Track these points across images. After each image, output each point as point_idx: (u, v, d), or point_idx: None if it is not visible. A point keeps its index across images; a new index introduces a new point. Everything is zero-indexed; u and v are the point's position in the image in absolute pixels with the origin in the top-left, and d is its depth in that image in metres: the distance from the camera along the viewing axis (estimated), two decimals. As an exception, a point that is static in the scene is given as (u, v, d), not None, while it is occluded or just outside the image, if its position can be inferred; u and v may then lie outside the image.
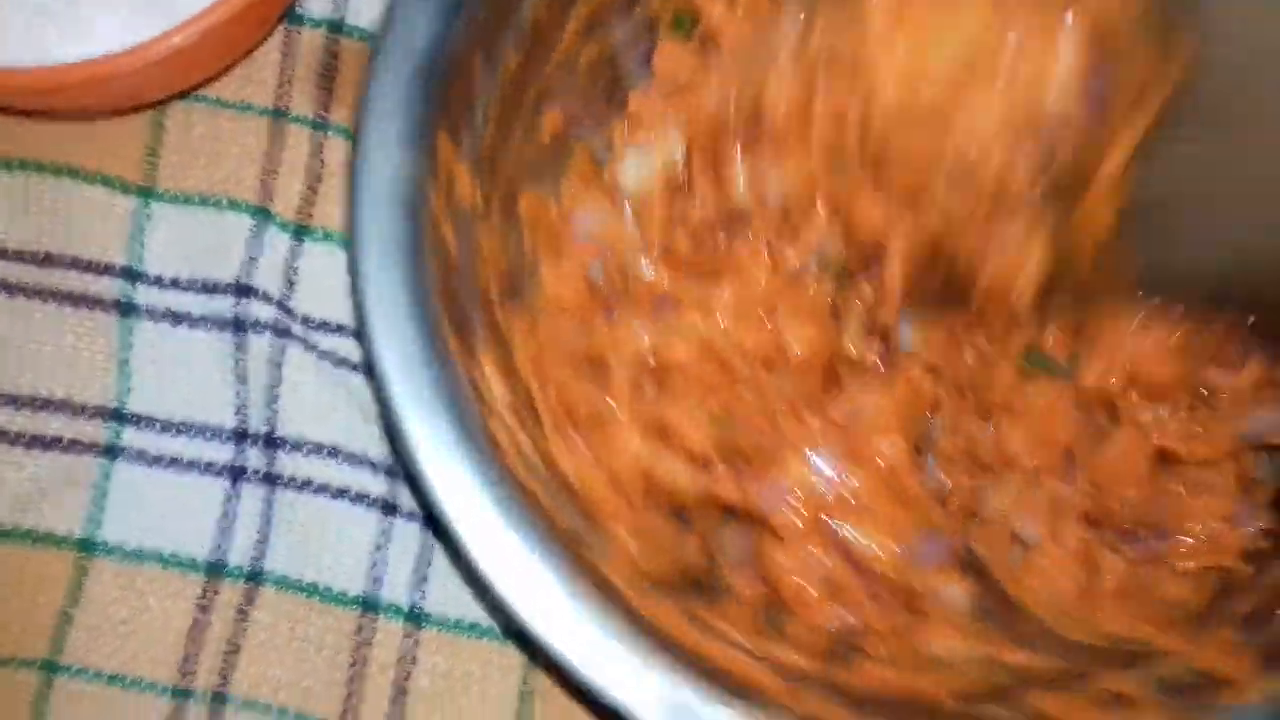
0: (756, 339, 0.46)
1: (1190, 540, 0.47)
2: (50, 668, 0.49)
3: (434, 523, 0.51)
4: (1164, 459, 0.48)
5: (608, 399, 0.45)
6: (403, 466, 0.44)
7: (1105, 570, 0.47)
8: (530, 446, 0.42)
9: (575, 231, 0.49)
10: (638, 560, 0.43)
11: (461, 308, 0.43)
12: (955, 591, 0.46)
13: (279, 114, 0.54)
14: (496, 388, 0.42)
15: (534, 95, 0.48)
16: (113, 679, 0.49)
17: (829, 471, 0.45)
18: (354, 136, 0.42)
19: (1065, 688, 0.43)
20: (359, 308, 0.40)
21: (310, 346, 0.52)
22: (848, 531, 0.44)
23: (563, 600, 0.38)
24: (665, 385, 0.46)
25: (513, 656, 0.50)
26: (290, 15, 0.55)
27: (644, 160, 0.49)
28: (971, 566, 0.47)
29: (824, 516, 0.44)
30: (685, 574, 0.45)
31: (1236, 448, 0.48)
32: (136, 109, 0.53)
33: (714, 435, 0.45)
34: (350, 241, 0.41)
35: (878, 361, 0.47)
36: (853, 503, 0.44)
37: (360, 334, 0.40)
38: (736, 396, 0.45)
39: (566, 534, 0.40)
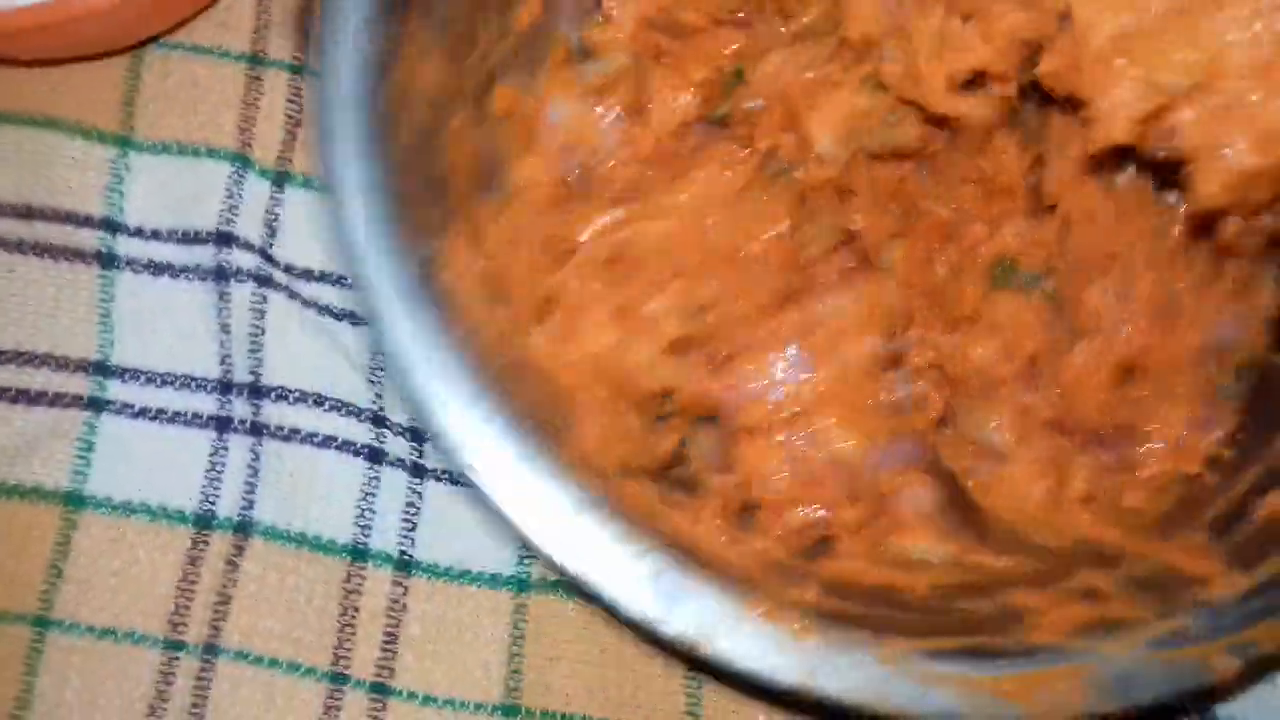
0: (726, 235, 0.45)
1: (1156, 446, 0.46)
2: (42, 622, 0.48)
3: (420, 458, 0.50)
4: (1128, 368, 0.47)
5: (576, 284, 0.44)
6: (379, 368, 0.43)
7: (1072, 477, 0.46)
8: (497, 330, 0.42)
9: (547, 124, 0.48)
10: (609, 447, 0.43)
11: (430, 192, 0.42)
12: (922, 494, 0.45)
13: (255, 59, 0.53)
14: (466, 269, 0.42)
15: None
16: (104, 633, 0.49)
17: (799, 370, 0.44)
18: (321, 15, 0.41)
19: (1040, 585, 0.42)
20: (328, 194, 0.40)
21: (293, 294, 0.51)
22: (816, 424, 0.44)
23: (536, 481, 0.38)
24: (636, 274, 0.45)
25: (503, 601, 0.49)
26: (266, -44, 0.53)
27: (613, 59, 0.48)
28: (939, 471, 0.46)
29: (793, 410, 0.44)
30: (657, 466, 0.45)
31: (1200, 358, 0.47)
32: (109, 54, 0.52)
33: (684, 326, 0.44)
34: (317, 130, 0.40)
35: (850, 269, 0.46)
36: (821, 400, 0.44)
37: (330, 225, 0.40)
38: (708, 290, 0.45)
39: (537, 418, 0.40)
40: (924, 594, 0.42)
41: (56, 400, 0.50)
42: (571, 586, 0.41)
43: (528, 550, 0.40)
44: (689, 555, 0.39)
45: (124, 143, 0.52)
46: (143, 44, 0.52)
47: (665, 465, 0.45)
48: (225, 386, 0.50)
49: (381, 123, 0.41)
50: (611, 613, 0.38)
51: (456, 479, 0.50)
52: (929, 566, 0.44)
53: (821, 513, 0.43)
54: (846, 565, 0.43)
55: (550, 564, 0.38)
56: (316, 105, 0.40)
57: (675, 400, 0.45)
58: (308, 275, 0.51)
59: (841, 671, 0.38)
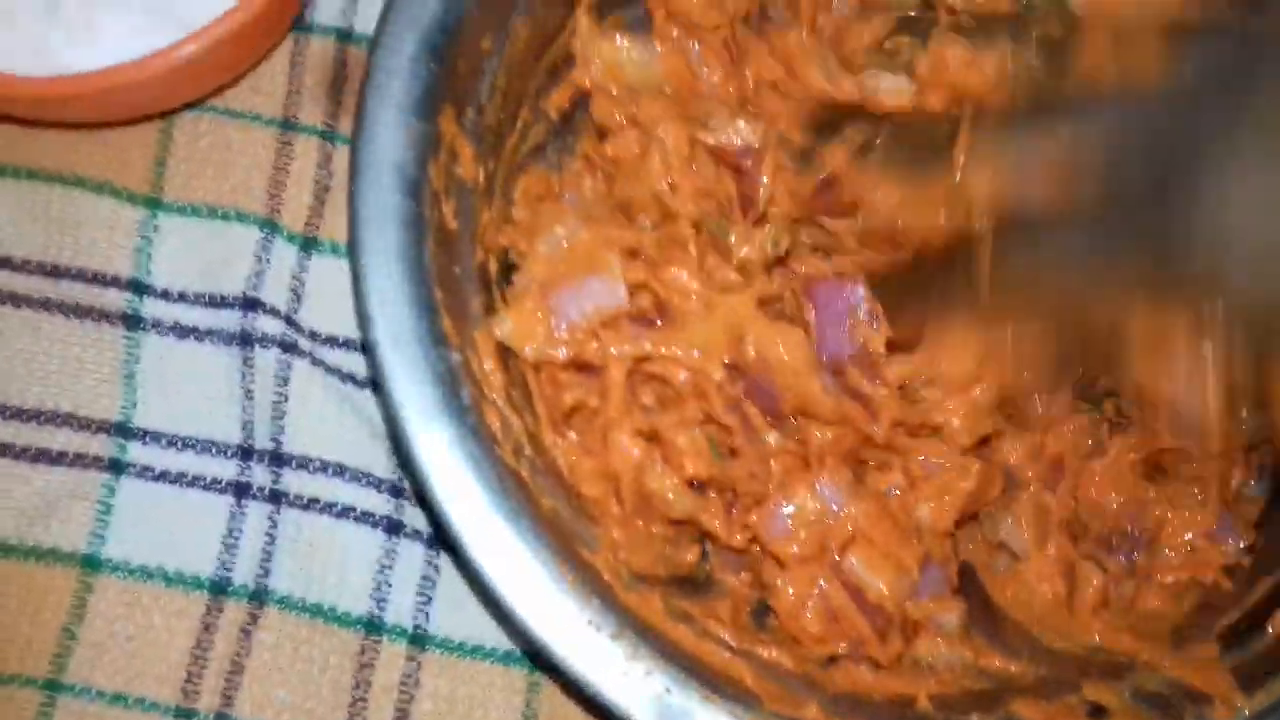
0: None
1: (1171, 553, 0.46)
2: (53, 686, 0.48)
3: (439, 537, 0.50)
4: (1151, 470, 0.47)
5: (598, 396, 0.44)
6: (398, 452, 0.43)
7: (1086, 581, 0.46)
8: (523, 432, 0.42)
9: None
10: (625, 554, 0.42)
11: (460, 288, 0.42)
12: (951, 618, 0.45)
13: (287, 124, 0.53)
14: (492, 372, 0.41)
15: (544, 69, 0.47)
16: (115, 698, 0.48)
17: (833, 503, 0.43)
18: (357, 110, 0.41)
19: (1044, 696, 0.42)
20: (356, 284, 0.40)
21: (317, 361, 0.51)
22: (851, 564, 0.43)
23: (547, 586, 0.38)
24: (662, 399, 0.45)
25: (516, 679, 0.49)
26: (299, 24, 0.54)
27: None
28: (964, 582, 0.46)
29: (828, 546, 0.43)
30: (674, 571, 0.45)
31: (1224, 462, 0.46)
32: (145, 119, 0.52)
33: (710, 462, 0.44)
34: (351, 218, 0.40)
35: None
36: (852, 538, 0.43)
37: (358, 312, 0.40)
38: (736, 432, 0.44)
39: (553, 521, 0.40)
40: (929, 706, 0.42)
41: (77, 461, 0.50)
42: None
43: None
44: (696, 669, 0.39)
45: (154, 204, 0.52)
46: (176, 110, 0.53)
47: (682, 572, 0.45)
48: (246, 452, 0.50)
49: (421, 212, 0.41)
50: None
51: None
52: (933, 672, 0.44)
53: (846, 648, 0.43)
54: (855, 675, 0.43)
55: (558, 670, 0.38)
56: (354, 246, 0.40)
57: (697, 529, 0.45)
58: (332, 342, 0.51)
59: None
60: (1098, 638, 0.45)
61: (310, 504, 0.50)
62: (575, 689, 0.39)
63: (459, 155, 0.43)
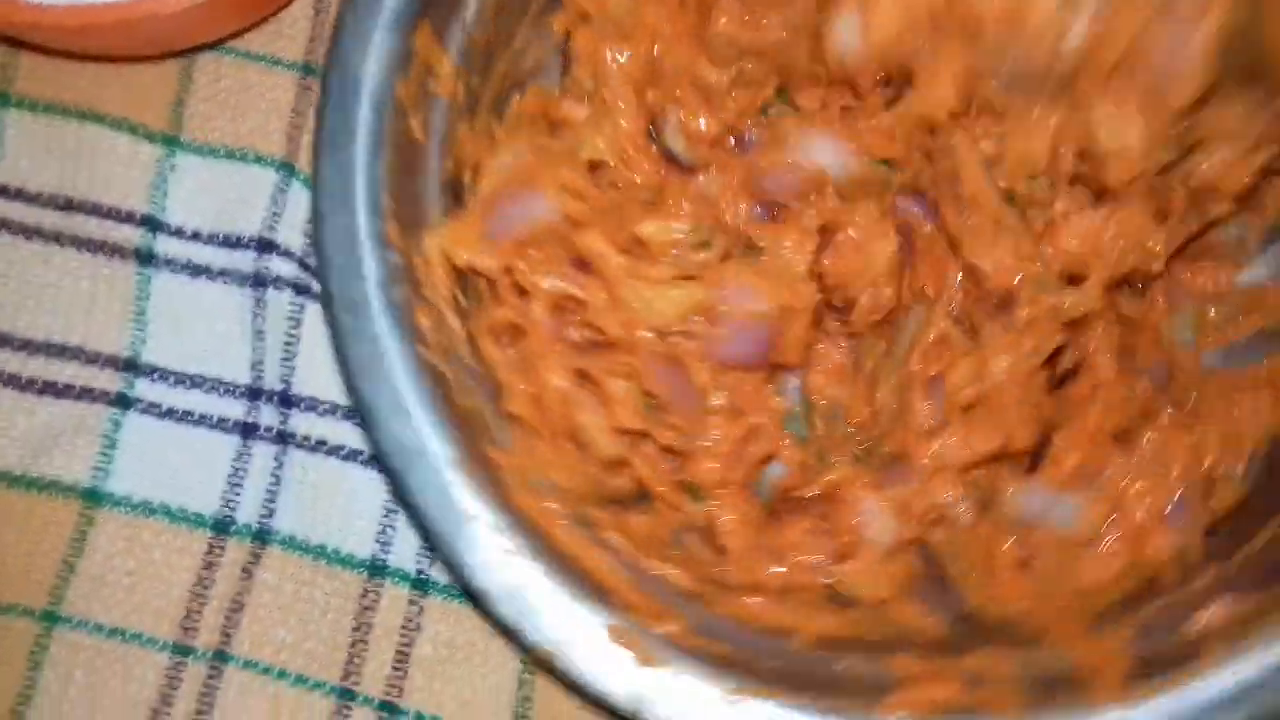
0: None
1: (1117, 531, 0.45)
2: (50, 618, 0.48)
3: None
4: (1124, 433, 0.47)
5: (532, 319, 0.45)
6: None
7: (1031, 541, 0.46)
8: (463, 339, 0.44)
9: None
10: (551, 470, 0.44)
11: (418, 197, 0.44)
12: (882, 525, 0.46)
13: (308, 69, 0.53)
14: (437, 276, 0.43)
15: None
16: (113, 632, 0.48)
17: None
18: (334, 23, 0.43)
19: (932, 654, 0.42)
20: (314, 189, 0.42)
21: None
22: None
23: (438, 470, 0.40)
24: (595, 341, 0.45)
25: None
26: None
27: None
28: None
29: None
30: (602, 494, 0.45)
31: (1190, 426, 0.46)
32: (166, 55, 0.52)
33: (642, 415, 0.45)
34: (316, 127, 0.43)
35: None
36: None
37: (311, 210, 0.44)
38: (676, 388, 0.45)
39: (467, 417, 0.42)
40: (808, 643, 0.42)
41: (83, 394, 0.50)
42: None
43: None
44: (573, 571, 0.41)
45: (171, 142, 0.52)
46: (199, 48, 0.53)
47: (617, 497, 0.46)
48: (254, 393, 0.50)
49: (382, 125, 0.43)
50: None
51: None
52: (838, 612, 0.44)
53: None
54: (746, 605, 0.43)
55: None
56: (315, 151, 0.43)
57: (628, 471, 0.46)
58: (345, 287, 0.51)
59: (675, 701, 0.39)
60: (1024, 605, 0.44)
61: (318, 446, 0.50)
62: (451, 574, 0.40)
63: (435, 70, 0.44)
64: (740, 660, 0.40)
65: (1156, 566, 0.44)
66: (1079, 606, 0.44)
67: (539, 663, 0.41)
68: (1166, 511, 0.45)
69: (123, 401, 0.50)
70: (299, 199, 0.52)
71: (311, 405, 0.50)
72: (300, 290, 0.51)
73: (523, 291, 0.45)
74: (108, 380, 0.50)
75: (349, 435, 0.50)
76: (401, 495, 0.41)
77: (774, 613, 0.44)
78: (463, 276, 0.45)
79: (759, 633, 0.42)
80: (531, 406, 0.44)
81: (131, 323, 0.51)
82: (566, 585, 0.40)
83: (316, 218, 0.42)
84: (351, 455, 0.50)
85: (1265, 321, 0.49)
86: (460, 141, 0.46)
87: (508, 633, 0.40)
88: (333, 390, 0.50)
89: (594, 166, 0.48)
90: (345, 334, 0.41)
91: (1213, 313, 0.50)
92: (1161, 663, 0.40)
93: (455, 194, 0.46)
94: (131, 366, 0.50)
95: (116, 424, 0.50)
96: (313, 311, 0.51)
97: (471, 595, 0.40)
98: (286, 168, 0.52)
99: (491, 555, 0.40)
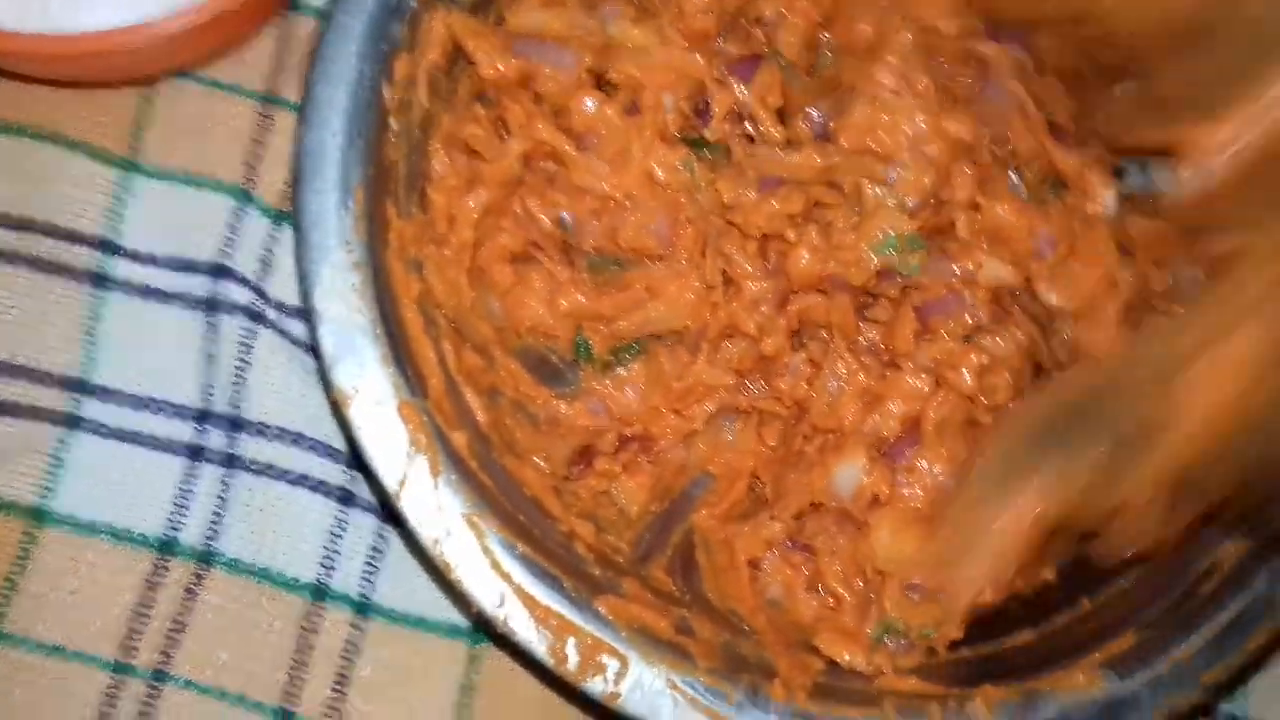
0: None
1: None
2: (-9, 633, 0.48)
3: (391, 515, 0.51)
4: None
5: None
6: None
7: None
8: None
9: None
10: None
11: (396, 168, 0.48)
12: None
13: (268, 99, 0.54)
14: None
15: None
16: (54, 649, 0.48)
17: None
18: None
19: (658, 595, 0.47)
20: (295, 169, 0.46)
21: (282, 332, 0.52)
22: None
23: (366, 350, 0.45)
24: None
25: (458, 651, 0.50)
26: (293, 5, 0.55)
27: None
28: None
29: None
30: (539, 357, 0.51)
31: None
32: (129, 83, 0.53)
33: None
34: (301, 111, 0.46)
35: None
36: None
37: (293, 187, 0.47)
38: None
39: (422, 303, 0.47)
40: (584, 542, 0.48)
41: (31, 413, 0.50)
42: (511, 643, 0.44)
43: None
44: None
45: (130, 166, 0.53)
46: (161, 76, 0.53)
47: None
48: (203, 415, 0.51)
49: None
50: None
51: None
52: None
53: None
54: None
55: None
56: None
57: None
58: (299, 314, 0.52)
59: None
60: (746, 608, 0.49)
61: (265, 470, 0.51)
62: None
63: (418, 83, 0.49)
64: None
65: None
66: (794, 631, 0.49)
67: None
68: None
69: (71, 421, 0.50)
70: (255, 226, 0.53)
71: (260, 430, 0.51)
72: (253, 317, 0.52)
73: (503, 129, 0.49)
74: (56, 400, 0.51)
75: (296, 460, 0.51)
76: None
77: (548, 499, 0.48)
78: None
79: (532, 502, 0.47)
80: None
81: (83, 343, 0.51)
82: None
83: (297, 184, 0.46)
84: (299, 480, 0.51)
85: None
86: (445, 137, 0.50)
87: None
88: (282, 415, 0.51)
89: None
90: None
91: None
92: (841, 695, 0.46)
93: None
94: (81, 387, 0.51)
95: (64, 443, 0.50)
96: (265, 337, 0.52)
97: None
98: (244, 194, 0.53)
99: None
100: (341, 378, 0.44)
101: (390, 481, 0.44)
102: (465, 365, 0.48)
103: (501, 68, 0.49)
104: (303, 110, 0.46)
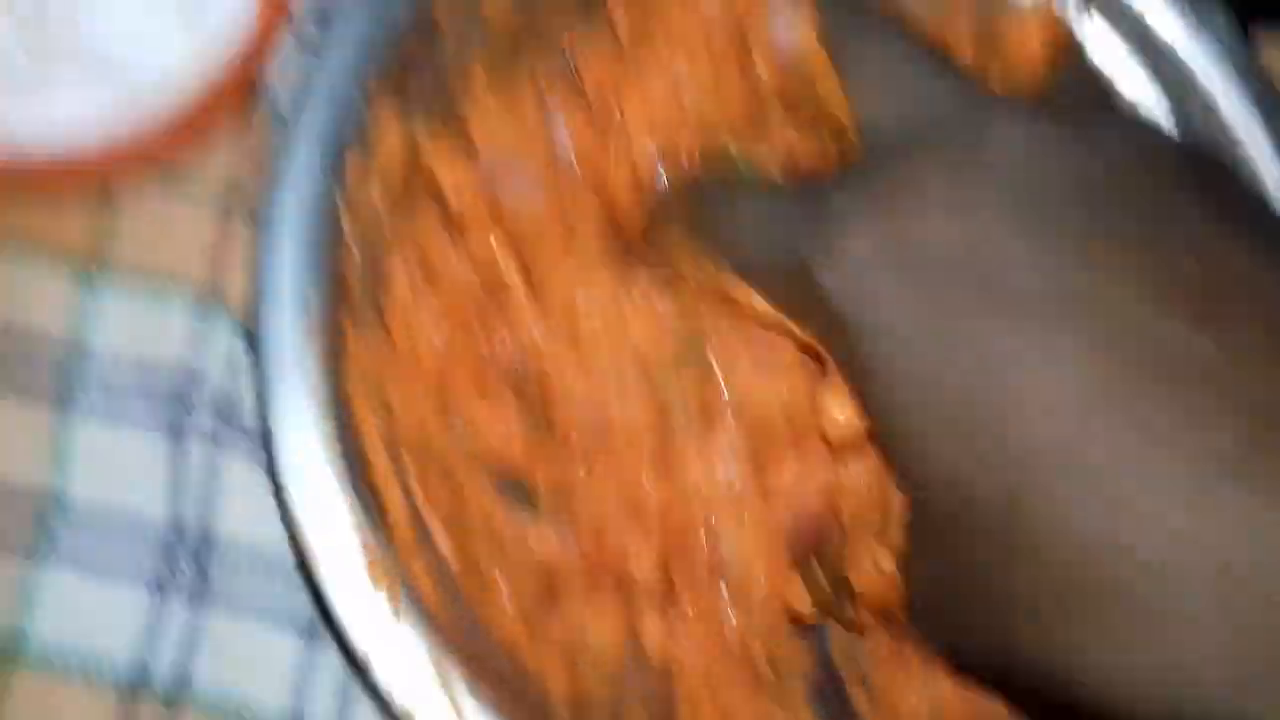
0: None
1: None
2: (-42, 777, 0.47)
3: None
4: None
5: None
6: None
7: None
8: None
9: None
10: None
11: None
12: None
13: (231, 203, 0.52)
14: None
15: None
16: (23, 792, 0.47)
17: None
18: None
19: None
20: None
21: (251, 451, 0.50)
22: None
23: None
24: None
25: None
26: (256, 107, 0.52)
27: None
28: None
29: None
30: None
31: None
32: (89, 190, 0.51)
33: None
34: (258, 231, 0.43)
35: None
36: None
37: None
38: None
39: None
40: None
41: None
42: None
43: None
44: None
45: (91, 275, 0.51)
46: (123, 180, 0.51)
47: None
48: (172, 544, 0.49)
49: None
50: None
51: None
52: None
53: None
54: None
55: None
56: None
57: None
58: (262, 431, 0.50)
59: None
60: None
61: (234, 601, 0.49)
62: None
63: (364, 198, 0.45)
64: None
65: None
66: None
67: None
68: None
69: (37, 549, 0.49)
70: (221, 340, 0.50)
71: (230, 558, 0.49)
72: (221, 433, 0.50)
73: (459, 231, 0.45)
74: (23, 522, 0.49)
75: (266, 592, 0.49)
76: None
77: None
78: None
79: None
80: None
81: (49, 463, 0.49)
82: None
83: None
84: (267, 613, 0.49)
85: None
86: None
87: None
88: (251, 543, 0.49)
89: None
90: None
91: None
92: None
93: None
94: (48, 509, 0.49)
95: (30, 573, 0.49)
96: (234, 459, 0.49)
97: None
98: (208, 296, 0.51)
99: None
100: (300, 515, 0.42)
101: (355, 639, 0.42)
102: (432, 496, 0.45)
103: (462, 181, 0.45)
104: (257, 216, 0.43)
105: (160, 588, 0.49)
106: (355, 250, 0.44)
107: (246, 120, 0.52)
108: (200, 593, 0.49)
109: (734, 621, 0.44)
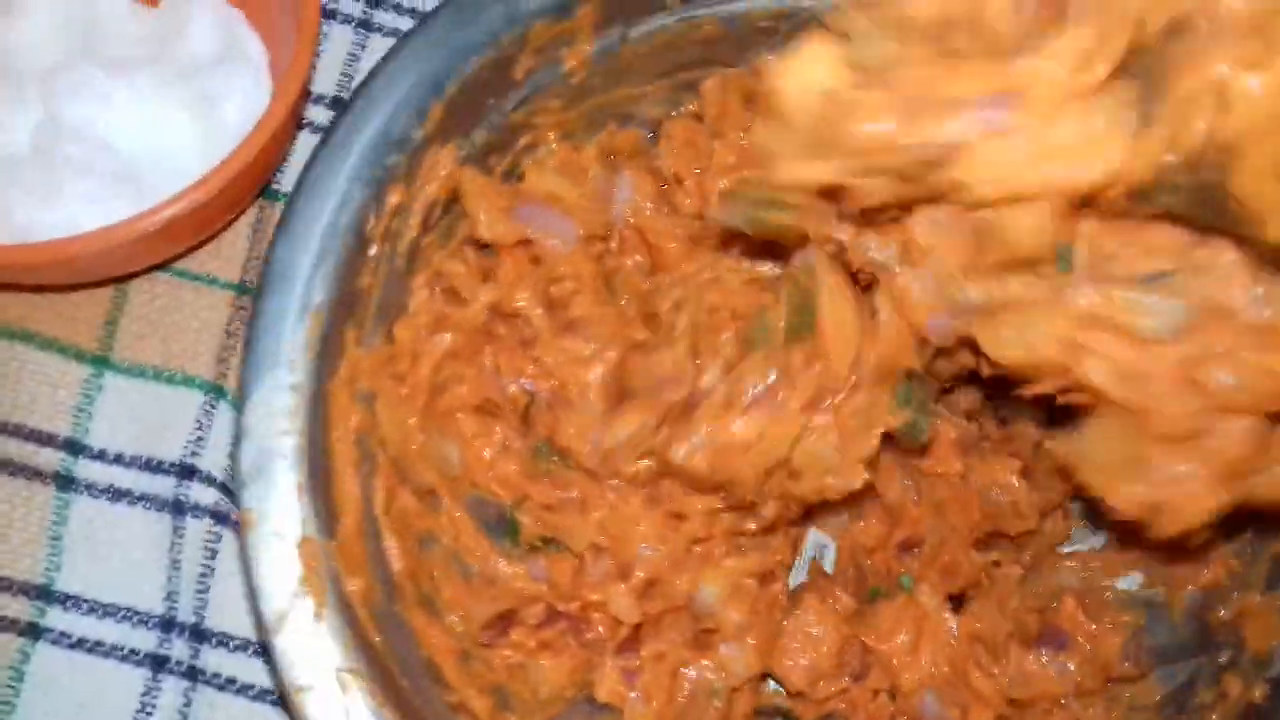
0: None
1: None
2: None
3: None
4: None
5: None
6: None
7: None
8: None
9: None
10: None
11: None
12: None
13: (243, 289, 0.53)
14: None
15: None
16: None
17: None
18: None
19: None
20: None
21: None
22: None
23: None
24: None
25: None
26: (266, 191, 0.54)
27: None
28: None
29: None
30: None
31: None
32: (99, 282, 0.52)
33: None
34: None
35: None
36: None
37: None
38: None
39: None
40: None
41: (-6, 623, 0.49)
42: None
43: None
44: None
45: (100, 363, 0.52)
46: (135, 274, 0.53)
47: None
48: (167, 625, 0.49)
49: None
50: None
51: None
52: None
53: None
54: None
55: None
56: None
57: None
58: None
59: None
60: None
61: (228, 684, 0.48)
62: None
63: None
64: None
65: None
66: None
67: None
68: None
69: (34, 631, 0.49)
70: (225, 422, 0.51)
71: (223, 641, 0.49)
72: (219, 519, 0.50)
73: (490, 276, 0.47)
74: (20, 608, 0.49)
75: (260, 674, 0.49)
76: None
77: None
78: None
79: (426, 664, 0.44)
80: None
81: (47, 549, 0.50)
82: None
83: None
84: (261, 695, 0.48)
85: None
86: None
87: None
88: (245, 626, 0.49)
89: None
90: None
91: None
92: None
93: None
94: (44, 594, 0.49)
95: (26, 655, 0.49)
96: (229, 541, 0.50)
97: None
98: (215, 390, 0.52)
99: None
100: (249, 500, 0.42)
101: (269, 617, 0.41)
102: (397, 507, 0.45)
103: (501, 231, 0.47)
104: (281, 222, 0.44)
105: (154, 667, 0.49)
106: (379, 268, 0.46)
107: (261, 205, 0.53)
108: (193, 673, 0.49)
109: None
